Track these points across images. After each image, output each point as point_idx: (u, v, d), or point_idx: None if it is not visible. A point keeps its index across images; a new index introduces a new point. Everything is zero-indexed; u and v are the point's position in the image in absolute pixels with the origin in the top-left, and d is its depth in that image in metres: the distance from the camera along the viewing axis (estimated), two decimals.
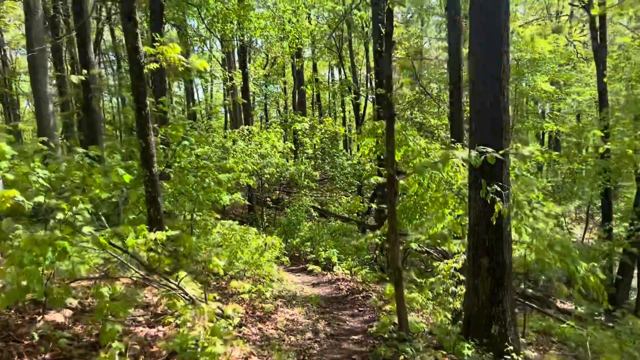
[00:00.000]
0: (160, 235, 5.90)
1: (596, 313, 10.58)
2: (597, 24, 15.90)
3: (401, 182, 10.29)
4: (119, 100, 28.04)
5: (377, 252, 12.07)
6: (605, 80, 16.58)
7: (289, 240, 13.90)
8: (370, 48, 24.64)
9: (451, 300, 7.17)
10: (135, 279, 5.54)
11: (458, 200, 6.73)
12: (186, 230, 9.38)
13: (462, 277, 7.36)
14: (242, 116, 23.82)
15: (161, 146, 10.19)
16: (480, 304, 5.58)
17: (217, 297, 6.38)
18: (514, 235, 5.75)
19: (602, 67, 16.02)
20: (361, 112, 25.24)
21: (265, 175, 16.05)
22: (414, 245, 10.45)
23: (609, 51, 19.02)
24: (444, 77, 19.16)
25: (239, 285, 6.20)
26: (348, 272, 10.94)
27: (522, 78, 21.46)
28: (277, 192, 16.92)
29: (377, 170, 11.67)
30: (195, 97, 42.23)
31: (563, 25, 25.86)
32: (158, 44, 7.42)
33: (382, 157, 9.07)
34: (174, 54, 7.47)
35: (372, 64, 27.25)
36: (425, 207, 8.38)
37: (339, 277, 10.50)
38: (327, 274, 10.94)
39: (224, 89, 36.76)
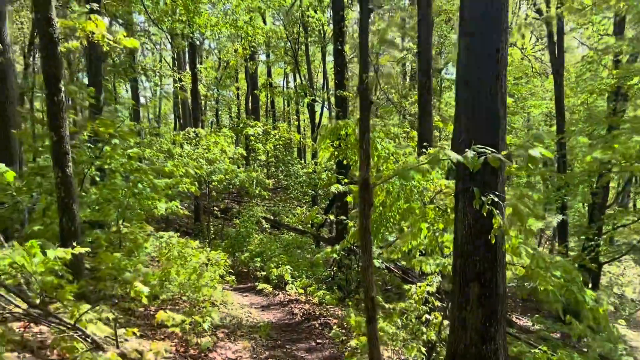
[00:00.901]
0: (62, 252, 4.52)
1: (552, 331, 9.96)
2: (555, 37, 15.72)
3: None
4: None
5: (334, 268, 10.96)
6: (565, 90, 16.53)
7: (237, 255, 12.55)
8: (329, 51, 23.77)
9: (424, 330, 6.12)
10: (17, 314, 4.11)
11: (439, 213, 5.74)
12: (113, 244, 7.90)
13: (436, 303, 6.36)
14: (191, 120, 22.23)
15: (88, 144, 8.69)
16: (468, 340, 4.55)
17: (139, 333, 5.01)
18: (509, 257, 4.80)
19: (559, 79, 15.83)
20: (317, 119, 24.24)
21: (213, 183, 14.64)
22: (376, 263, 9.40)
23: (566, 65, 19.07)
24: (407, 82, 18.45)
25: (167, 317, 4.87)
26: (302, 291, 9.75)
27: None
28: (226, 200, 15.51)
29: (336, 178, 10.60)
30: (143, 101, 40.01)
31: (516, 40, 26.08)
32: (75, 14, 6.03)
33: (344, 162, 7.99)
34: (99, 30, 6.13)
35: (329, 71, 26.46)
36: (392, 220, 7.35)
37: (292, 298, 9.29)
38: (279, 294, 9.69)
39: (173, 91, 34.92)
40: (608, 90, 15.03)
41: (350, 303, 9.19)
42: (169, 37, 24.57)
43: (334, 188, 9.65)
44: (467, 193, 4.48)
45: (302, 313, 8.03)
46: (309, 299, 9.41)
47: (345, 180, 10.06)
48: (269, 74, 28.21)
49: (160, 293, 6.52)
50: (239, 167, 15.67)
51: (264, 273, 10.28)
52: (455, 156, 3.78)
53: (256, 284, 10.18)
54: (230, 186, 15.33)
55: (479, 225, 4.40)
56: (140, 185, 8.26)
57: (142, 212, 8.01)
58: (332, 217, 11.23)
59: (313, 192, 19.14)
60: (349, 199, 10.24)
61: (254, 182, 14.28)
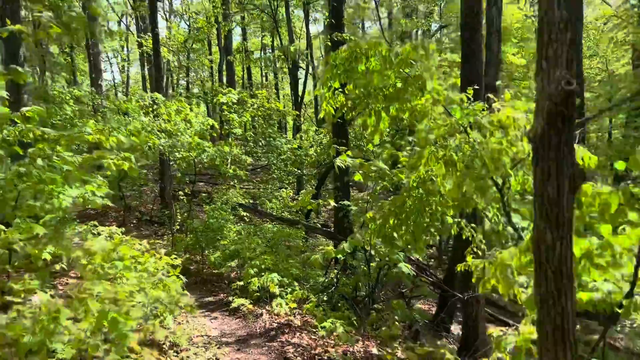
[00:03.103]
0: None
1: None
2: None
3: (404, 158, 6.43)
4: None
5: (336, 271, 8.11)
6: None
7: (205, 253, 9.61)
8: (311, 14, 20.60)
9: None
10: None
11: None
12: None
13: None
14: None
15: None
16: None
17: None
18: None
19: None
20: (300, 90, 21.12)
21: (177, 161, 11.58)
22: (405, 268, 6.60)
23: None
24: None
25: None
26: (295, 305, 6.92)
27: None
28: (191, 184, 12.45)
29: (335, 150, 7.68)
30: (109, 76, 35.84)
31: None
32: None
33: (348, 118, 5.15)
34: None
35: (315, 37, 23.25)
36: (448, 207, 4.52)
37: (282, 322, 6.44)
38: (262, 315, 6.82)
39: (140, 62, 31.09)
40: None
41: (373, 333, 6.37)
42: None
43: (339, 161, 6.75)
44: None
45: (302, 359, 5.16)
46: (307, 320, 6.58)
47: (349, 153, 7.16)
48: (244, 38, 24.81)
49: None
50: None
51: (241, 283, 7.39)
52: None
53: (230, 298, 7.28)
54: (198, 165, 12.27)
55: None
56: (40, 162, 5.24)
57: (37, 204, 4.97)
58: (331, 202, 8.34)
59: (299, 171, 16.19)
60: (357, 177, 7.36)
61: (228, 159, 11.26)
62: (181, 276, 5.72)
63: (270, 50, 28.33)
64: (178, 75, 30.26)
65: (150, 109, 12.31)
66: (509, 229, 4.84)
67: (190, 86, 31.66)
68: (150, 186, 17.46)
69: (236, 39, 26.75)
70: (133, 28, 26.73)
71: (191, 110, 12.15)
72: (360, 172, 7.19)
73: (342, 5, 9.41)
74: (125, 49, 32.97)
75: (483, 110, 3.94)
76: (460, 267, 5.84)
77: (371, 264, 7.54)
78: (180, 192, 13.02)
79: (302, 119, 20.66)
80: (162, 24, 40.28)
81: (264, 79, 33.60)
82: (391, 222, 5.34)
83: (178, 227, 11.71)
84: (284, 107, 18.12)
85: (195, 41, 22.56)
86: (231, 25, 20.70)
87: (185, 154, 10.42)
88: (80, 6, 19.39)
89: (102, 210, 16.66)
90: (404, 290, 9.35)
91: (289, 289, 7.41)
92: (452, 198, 4.17)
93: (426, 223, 4.95)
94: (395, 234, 5.47)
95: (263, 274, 7.41)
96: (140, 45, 20.87)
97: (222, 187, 13.83)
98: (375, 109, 4.49)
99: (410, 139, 8.55)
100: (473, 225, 5.75)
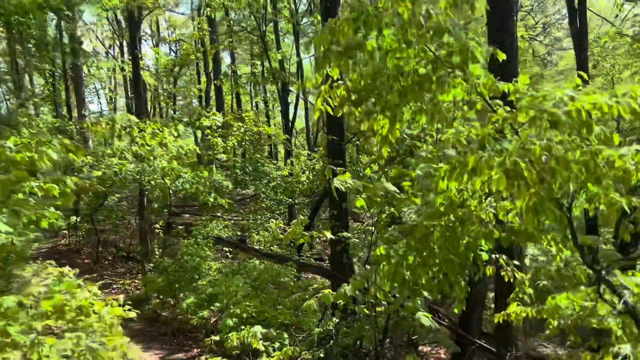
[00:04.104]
0: None
1: None
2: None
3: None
4: None
5: (336, 322, 6.63)
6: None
7: (181, 296, 8.12)
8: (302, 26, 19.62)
9: None
10: None
11: None
12: None
13: None
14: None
15: None
16: None
17: None
18: None
19: (583, 55, 11.74)
20: (291, 114, 19.94)
21: (148, 188, 10.18)
22: (425, 319, 5.18)
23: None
24: None
25: None
26: None
27: None
28: (168, 214, 11.00)
29: (331, 170, 6.33)
30: (96, 107, 34.50)
31: None
32: None
33: (352, 118, 3.88)
34: None
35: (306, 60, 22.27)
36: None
37: None
38: None
39: (124, 88, 29.91)
40: None
41: None
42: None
43: (338, 182, 5.40)
44: None
45: None
46: None
47: (348, 175, 5.82)
48: (233, 61, 23.74)
49: None
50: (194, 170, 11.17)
51: (217, 338, 5.90)
52: None
53: (204, 358, 5.77)
54: (179, 194, 10.84)
55: None
56: None
57: None
58: (328, 234, 6.96)
59: (290, 200, 14.81)
60: (360, 202, 6.03)
61: (208, 186, 9.87)
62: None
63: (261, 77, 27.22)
64: (167, 105, 29.05)
65: (123, 131, 11.01)
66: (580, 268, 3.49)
67: (176, 114, 30.44)
68: (128, 219, 15.96)
69: (224, 69, 25.81)
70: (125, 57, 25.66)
71: (172, 134, 10.86)
72: (363, 196, 5.84)
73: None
74: (113, 80, 31.84)
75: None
76: (499, 317, 4.46)
77: (377, 308, 6.12)
78: (156, 226, 11.58)
79: (293, 146, 19.42)
80: (150, 53, 39.49)
81: (254, 107, 32.55)
82: (410, 260, 3.98)
83: (151, 265, 10.22)
84: (274, 134, 16.88)
85: (181, 66, 21.46)
86: (218, 47, 19.66)
87: (159, 180, 9.03)
88: (56, 29, 18.27)
89: (75, 246, 15.13)
90: (414, 338, 7.87)
91: (277, 343, 5.93)
92: (522, 229, 2.83)
93: (461, 261, 3.58)
94: (411, 276, 4.09)
95: (244, 325, 5.93)
96: (122, 69, 19.77)
97: (202, 218, 12.37)
98: (390, 102, 3.19)
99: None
100: (516, 262, 4.41)
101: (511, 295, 4.12)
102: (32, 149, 4.36)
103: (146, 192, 10.53)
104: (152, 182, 9.10)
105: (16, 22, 10.96)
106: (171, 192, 9.37)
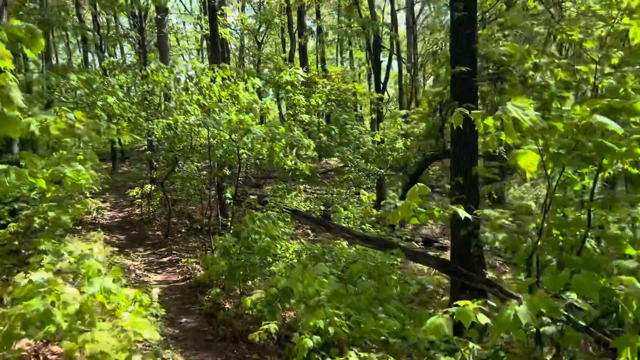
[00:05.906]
0: None
1: None
2: None
3: None
4: None
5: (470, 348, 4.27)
6: None
7: (247, 284, 6.20)
8: None
9: None
10: None
11: None
12: None
13: None
14: None
15: None
16: None
17: None
18: None
19: None
20: (383, 72, 17.34)
21: (215, 146, 8.33)
22: None
23: None
24: None
25: None
26: None
27: None
28: (237, 181, 9.09)
29: (461, 116, 3.88)
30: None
31: None
32: None
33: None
34: None
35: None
36: None
37: None
38: None
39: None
40: None
41: None
42: None
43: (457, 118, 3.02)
44: None
45: None
46: None
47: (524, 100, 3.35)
48: (318, 16, 21.47)
49: None
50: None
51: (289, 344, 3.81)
52: None
53: None
54: (247, 157, 8.92)
55: None
56: None
57: None
58: (460, 210, 4.55)
59: (382, 171, 12.39)
60: (526, 159, 3.63)
61: (285, 147, 7.79)
62: None
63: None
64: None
65: (189, 83, 9.32)
66: None
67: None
68: (202, 188, 14.55)
69: (309, 25, 23.82)
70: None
71: (247, 89, 8.97)
72: (532, 146, 3.38)
73: None
74: (200, 53, 30.98)
75: None
76: None
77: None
78: (226, 195, 9.79)
79: (384, 109, 16.93)
80: (234, 14, 38.60)
81: (339, 62, 30.55)
82: None
83: (220, 242, 8.44)
84: (364, 92, 14.48)
85: (267, 25, 19.66)
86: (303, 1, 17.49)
87: (224, 135, 7.09)
88: None
89: (147, 216, 14.03)
90: None
91: None
92: None
93: None
94: None
95: (330, 347, 3.79)
96: (201, 27, 18.45)
97: (279, 187, 10.40)
98: None
99: None
100: None
101: None
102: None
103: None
104: (216, 139, 7.22)
105: None
106: (239, 152, 7.40)
